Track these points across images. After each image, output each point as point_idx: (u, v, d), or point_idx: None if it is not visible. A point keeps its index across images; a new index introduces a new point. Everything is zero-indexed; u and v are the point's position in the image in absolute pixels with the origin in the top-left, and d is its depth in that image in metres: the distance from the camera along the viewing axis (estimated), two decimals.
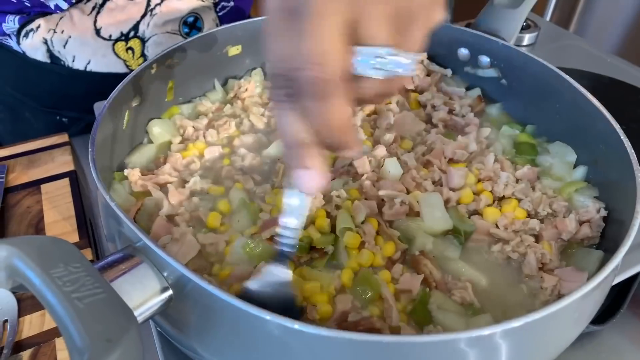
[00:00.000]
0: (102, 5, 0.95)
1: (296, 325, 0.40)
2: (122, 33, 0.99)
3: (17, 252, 0.42)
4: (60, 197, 0.83)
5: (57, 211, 0.81)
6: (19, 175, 0.86)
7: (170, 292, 0.45)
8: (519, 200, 0.66)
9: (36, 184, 0.85)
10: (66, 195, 0.83)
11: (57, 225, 0.78)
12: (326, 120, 0.38)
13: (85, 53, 0.99)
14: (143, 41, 1.01)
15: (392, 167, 0.66)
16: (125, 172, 0.68)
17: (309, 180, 0.41)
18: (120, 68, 1.04)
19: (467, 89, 0.88)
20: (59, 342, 0.64)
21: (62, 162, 0.89)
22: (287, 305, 0.50)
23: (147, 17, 0.99)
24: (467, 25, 0.88)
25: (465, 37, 0.86)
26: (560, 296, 0.56)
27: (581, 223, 0.62)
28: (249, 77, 0.89)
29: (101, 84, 1.00)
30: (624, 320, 0.67)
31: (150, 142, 0.77)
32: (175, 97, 0.82)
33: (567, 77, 0.71)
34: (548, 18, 2.00)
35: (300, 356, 0.43)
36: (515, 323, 0.41)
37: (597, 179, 0.69)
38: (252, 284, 0.50)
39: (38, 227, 0.78)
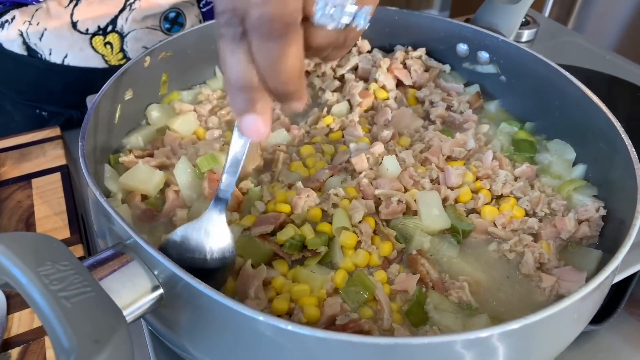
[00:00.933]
0: None
1: (289, 326, 0.39)
2: (99, 27, 0.97)
3: (2, 249, 0.40)
4: (51, 191, 0.81)
5: (48, 206, 0.79)
6: (10, 169, 0.85)
7: (160, 290, 0.44)
8: (517, 198, 0.65)
9: (27, 178, 0.84)
10: (57, 190, 0.82)
11: (48, 221, 0.77)
12: (278, 64, 0.36)
13: (62, 46, 0.97)
14: (122, 36, 0.99)
15: (391, 165, 0.65)
16: (121, 159, 0.67)
17: (253, 126, 0.39)
18: (98, 63, 1.01)
19: (466, 85, 0.87)
20: (49, 340, 0.62)
21: (54, 156, 0.88)
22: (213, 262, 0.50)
23: (126, 12, 0.97)
24: (466, 21, 0.86)
25: (464, 33, 0.85)
26: (558, 296, 0.55)
27: (580, 222, 0.61)
28: None
29: (80, 78, 1.00)
30: (620, 320, 0.66)
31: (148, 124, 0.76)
32: (169, 90, 0.81)
33: (567, 74, 0.70)
34: (547, 14, 1.99)
35: (293, 357, 0.42)
36: (513, 325, 0.40)
37: (596, 178, 0.68)
38: (177, 233, 0.51)
39: (28, 222, 0.77)
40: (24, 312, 0.64)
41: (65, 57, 0.98)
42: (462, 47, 0.86)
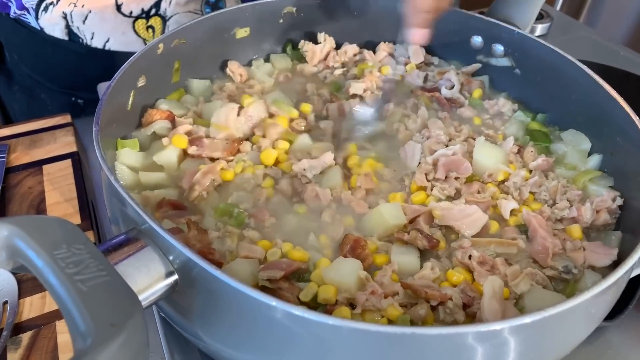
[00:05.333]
0: None
1: (303, 312, 0.38)
2: (143, 10, 0.96)
3: (19, 232, 0.40)
4: (62, 178, 0.81)
5: (59, 192, 0.79)
6: (21, 155, 0.85)
7: (175, 276, 0.44)
8: (533, 193, 0.65)
9: (38, 164, 0.84)
10: (68, 176, 0.82)
11: (59, 207, 0.77)
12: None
13: (105, 30, 0.97)
14: (164, 20, 0.98)
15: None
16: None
17: (421, 36, 0.70)
18: (139, 47, 0.98)
19: (474, 75, 0.87)
20: (60, 325, 0.62)
21: (65, 142, 0.87)
22: None
23: None
24: (481, 13, 0.85)
25: (479, 25, 0.84)
26: (591, 267, 0.56)
27: (597, 212, 0.61)
28: (259, 62, 0.88)
29: (119, 63, 0.99)
30: (631, 317, 0.66)
31: None
32: (181, 79, 0.80)
33: (585, 68, 0.70)
34: (558, 7, 1.97)
35: (306, 344, 0.42)
36: (526, 319, 0.40)
37: (612, 169, 0.68)
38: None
39: (39, 208, 0.77)
40: (35, 296, 0.65)
41: (107, 41, 0.98)
42: (477, 40, 0.85)
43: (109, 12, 0.95)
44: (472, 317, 0.51)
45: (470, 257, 0.55)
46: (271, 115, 0.75)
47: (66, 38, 0.97)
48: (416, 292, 0.51)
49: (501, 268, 0.54)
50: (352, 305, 0.51)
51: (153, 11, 0.97)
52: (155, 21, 0.98)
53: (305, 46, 0.88)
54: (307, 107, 0.78)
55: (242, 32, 0.85)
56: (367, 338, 0.39)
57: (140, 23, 0.97)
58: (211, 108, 0.75)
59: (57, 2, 0.93)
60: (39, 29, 0.97)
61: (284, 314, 0.39)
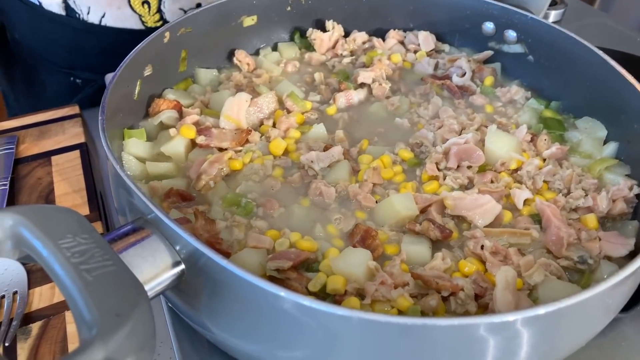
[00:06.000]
0: None
1: (310, 302, 0.38)
2: None
3: (24, 221, 0.40)
4: (70, 169, 0.81)
5: (68, 183, 0.79)
6: (30, 146, 0.85)
7: (182, 266, 0.44)
8: (547, 182, 0.64)
9: (47, 155, 0.84)
10: (76, 167, 0.82)
11: (68, 198, 0.77)
12: None
13: (101, 4, 0.96)
14: None
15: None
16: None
17: None
18: (134, 24, 1.00)
19: (485, 62, 0.86)
20: (69, 315, 0.63)
21: (73, 133, 0.87)
22: None
23: None
24: None
25: (491, 11, 0.82)
26: (607, 258, 0.55)
27: (614, 201, 0.60)
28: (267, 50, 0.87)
29: (116, 41, 0.99)
30: None
31: None
32: (188, 68, 0.79)
33: (602, 53, 0.68)
34: None
35: (314, 335, 0.41)
36: (540, 310, 0.39)
37: (629, 156, 0.66)
38: None
39: (48, 198, 0.77)
40: (45, 287, 0.65)
41: (103, 16, 0.98)
42: (489, 26, 0.83)
43: None
44: (484, 308, 0.50)
45: (482, 247, 0.54)
46: (282, 106, 0.75)
47: (63, 13, 0.97)
48: (427, 283, 0.50)
49: (514, 258, 0.53)
50: (361, 295, 0.50)
51: None
52: None
53: (314, 34, 0.87)
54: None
55: (249, 21, 0.84)
56: (377, 329, 0.38)
57: None
58: (219, 98, 0.74)
59: None
60: (37, 4, 0.97)
61: (292, 304, 0.39)
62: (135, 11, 0.98)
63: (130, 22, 0.99)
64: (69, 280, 0.37)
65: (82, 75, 1.06)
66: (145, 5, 0.97)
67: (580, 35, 0.73)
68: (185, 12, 1.02)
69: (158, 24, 1.01)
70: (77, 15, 0.97)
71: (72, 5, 0.96)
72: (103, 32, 0.99)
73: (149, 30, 0.99)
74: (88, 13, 0.97)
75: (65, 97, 0.93)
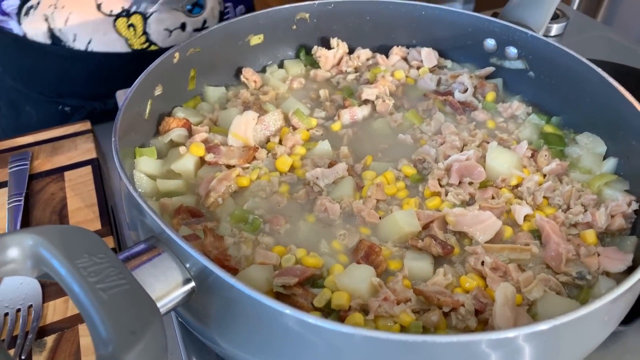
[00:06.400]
0: None
1: (315, 320, 0.39)
2: (123, 8, 0.97)
3: (43, 241, 0.42)
4: (82, 184, 0.84)
5: (80, 198, 0.81)
6: (43, 162, 0.87)
7: (192, 284, 0.45)
8: (547, 198, 0.65)
9: (60, 171, 0.86)
10: (88, 182, 0.84)
11: (80, 213, 0.79)
12: None
13: (86, 30, 0.98)
14: (144, 17, 0.99)
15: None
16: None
17: None
18: (121, 47, 1.01)
19: (487, 78, 0.87)
20: (82, 329, 0.64)
21: (85, 149, 0.90)
22: None
23: None
24: (494, 15, 0.85)
25: (492, 28, 0.84)
26: (606, 273, 0.56)
27: (612, 216, 0.61)
28: (273, 67, 0.90)
29: (103, 65, 1.01)
30: None
31: None
32: (196, 86, 0.82)
33: (600, 71, 0.69)
34: (575, 6, 1.94)
35: (318, 351, 0.43)
36: (542, 326, 0.40)
37: (627, 172, 0.67)
38: None
39: (62, 213, 0.79)
40: (59, 300, 0.67)
41: (89, 42, 0.99)
42: (490, 43, 0.85)
43: (90, 12, 0.96)
44: (484, 324, 0.51)
45: (483, 263, 0.55)
46: (288, 123, 0.77)
47: (49, 42, 0.98)
48: (428, 299, 0.52)
49: (514, 274, 0.54)
50: (365, 311, 0.51)
51: (134, 8, 0.98)
52: (135, 19, 0.99)
53: (319, 52, 0.89)
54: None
55: (256, 39, 0.86)
56: (379, 346, 0.40)
57: (121, 22, 0.98)
58: (227, 115, 0.76)
59: (37, 5, 0.94)
60: (21, 34, 0.99)
61: (296, 321, 0.40)
62: (121, 35, 1.00)
63: (117, 45, 1.01)
64: (86, 299, 0.39)
65: (70, 103, 1.07)
66: (131, 28, 0.99)
67: (583, 48, 0.75)
68: (170, 32, 1.03)
69: (144, 46, 1.03)
70: (63, 44, 0.98)
71: (58, 34, 0.97)
72: (90, 58, 1.01)
73: (135, 53, 1.02)
74: (74, 40, 0.98)
75: (54, 125, 0.95)
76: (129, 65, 0.66)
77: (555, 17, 1.23)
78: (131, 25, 0.99)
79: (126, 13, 0.98)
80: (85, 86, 1.01)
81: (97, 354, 0.37)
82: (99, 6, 0.96)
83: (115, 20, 0.98)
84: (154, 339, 0.38)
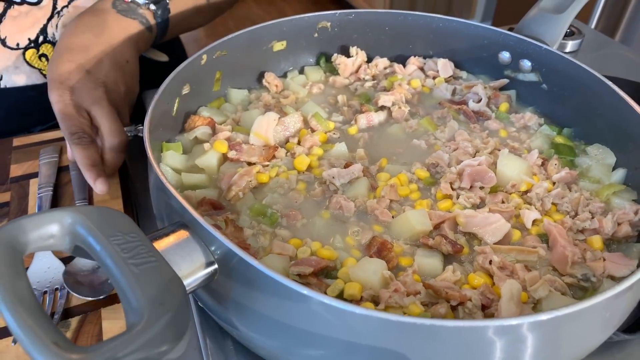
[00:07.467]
0: (3, 14, 0.89)
1: (334, 302, 0.42)
2: (29, 40, 0.94)
3: (80, 220, 0.45)
4: (108, 177, 0.87)
5: None
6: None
7: (215, 266, 0.48)
8: (556, 204, 0.67)
9: None
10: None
11: (105, 205, 0.83)
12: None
13: None
14: (55, 45, 0.91)
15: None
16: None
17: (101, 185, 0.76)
18: (37, 79, 0.97)
19: (501, 89, 0.90)
20: (104, 312, 0.68)
21: None
22: None
23: (55, 19, 0.94)
24: (509, 30, 0.88)
25: (507, 41, 0.87)
26: (611, 277, 0.57)
27: (619, 224, 0.63)
28: (294, 73, 0.93)
29: (21, 99, 0.96)
30: None
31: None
32: (221, 88, 0.86)
33: (612, 85, 0.71)
34: (593, 26, 1.96)
35: (337, 332, 0.45)
36: (544, 316, 0.42)
37: (636, 182, 0.69)
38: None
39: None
40: None
41: (1, 79, 0.95)
42: (505, 55, 0.88)
43: None
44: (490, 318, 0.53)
45: (490, 262, 0.58)
46: (306, 125, 0.80)
47: None
48: (437, 292, 0.54)
49: (520, 273, 0.56)
50: (375, 302, 0.54)
51: (41, 38, 0.95)
52: (46, 48, 0.96)
53: (338, 59, 0.93)
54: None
55: (279, 45, 0.90)
56: (393, 327, 0.42)
57: (31, 53, 0.95)
58: (249, 116, 0.80)
59: None
60: None
61: (315, 302, 0.43)
62: (34, 67, 0.96)
63: (32, 78, 0.98)
64: (119, 272, 0.42)
65: None
66: (43, 58, 0.96)
67: (597, 64, 0.77)
68: None
69: None
70: None
71: None
72: (5, 95, 0.97)
73: None
74: None
75: None
76: (47, 95, 0.67)
77: (571, 34, 1.25)
78: (43, 55, 0.96)
79: (34, 44, 0.95)
80: (4, 123, 0.96)
81: (128, 322, 0.40)
82: (3, 41, 0.92)
83: (24, 52, 0.95)
84: (180, 311, 0.41)
